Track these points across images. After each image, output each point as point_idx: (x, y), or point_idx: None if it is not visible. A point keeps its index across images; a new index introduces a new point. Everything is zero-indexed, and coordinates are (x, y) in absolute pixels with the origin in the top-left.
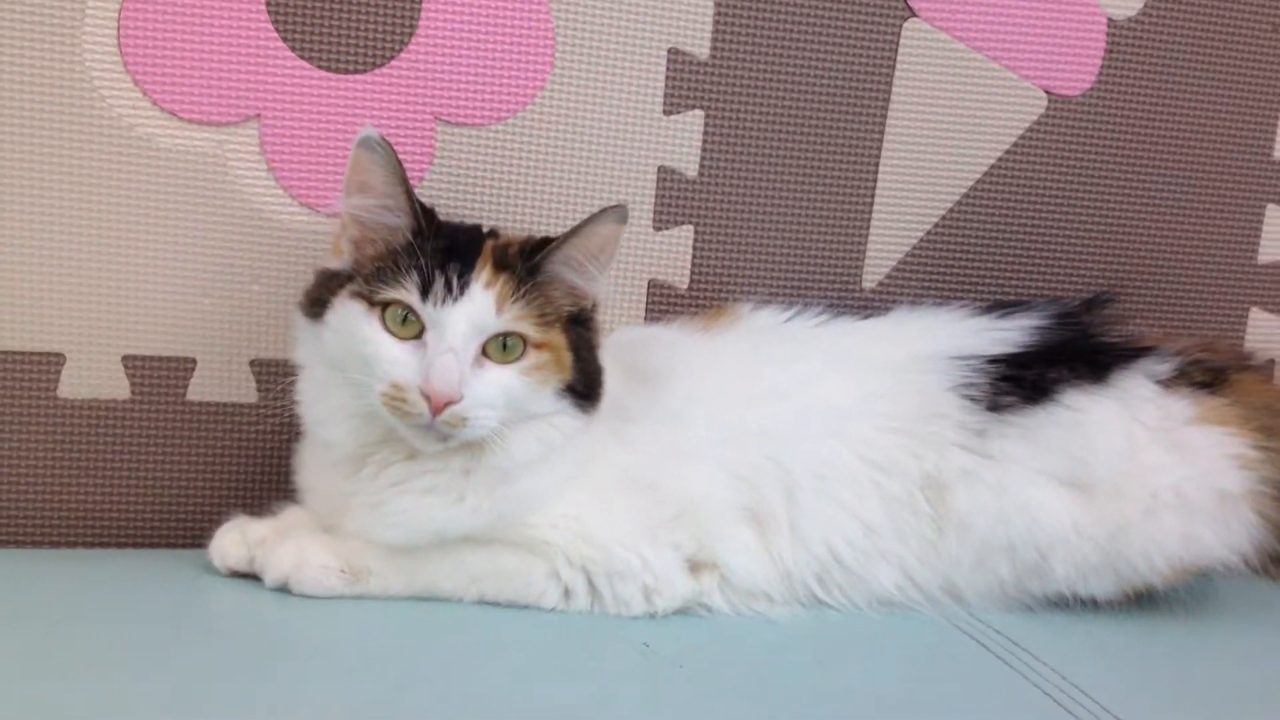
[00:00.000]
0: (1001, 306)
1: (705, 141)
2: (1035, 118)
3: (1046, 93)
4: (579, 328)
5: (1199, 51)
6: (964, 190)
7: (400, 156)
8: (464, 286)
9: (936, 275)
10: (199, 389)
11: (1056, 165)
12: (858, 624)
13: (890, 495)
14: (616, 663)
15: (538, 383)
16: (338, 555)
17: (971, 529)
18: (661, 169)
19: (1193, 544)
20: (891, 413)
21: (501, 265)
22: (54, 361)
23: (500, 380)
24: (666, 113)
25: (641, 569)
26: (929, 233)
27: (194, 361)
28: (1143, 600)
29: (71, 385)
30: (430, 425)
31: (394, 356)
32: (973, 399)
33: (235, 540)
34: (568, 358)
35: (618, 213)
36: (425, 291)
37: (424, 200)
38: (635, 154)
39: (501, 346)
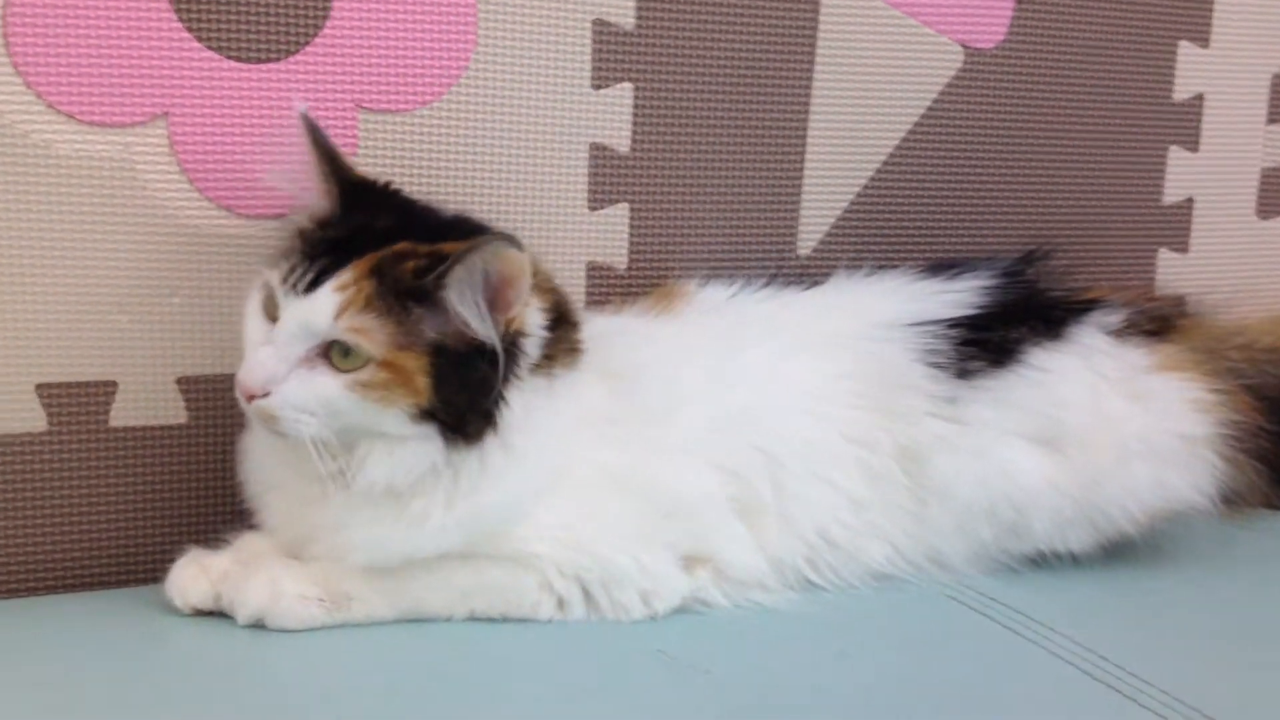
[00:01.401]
0: (942, 267)
1: (636, 115)
2: (953, 73)
3: (962, 46)
4: (452, 357)
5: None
6: (890, 149)
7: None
8: (317, 283)
9: (869, 238)
10: (123, 413)
11: (975, 119)
12: (855, 604)
13: (873, 470)
14: (642, 676)
15: (374, 401)
16: (315, 582)
17: (952, 496)
18: (593, 146)
19: (1163, 489)
20: (861, 389)
21: (376, 272)
22: None
23: (322, 387)
24: (595, 87)
25: (638, 573)
26: (859, 195)
27: (115, 384)
28: (1119, 550)
29: None
30: (252, 414)
31: (249, 336)
32: (938, 366)
33: (194, 575)
34: (422, 382)
35: (494, 247)
36: (286, 278)
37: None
38: (566, 131)
39: (343, 353)
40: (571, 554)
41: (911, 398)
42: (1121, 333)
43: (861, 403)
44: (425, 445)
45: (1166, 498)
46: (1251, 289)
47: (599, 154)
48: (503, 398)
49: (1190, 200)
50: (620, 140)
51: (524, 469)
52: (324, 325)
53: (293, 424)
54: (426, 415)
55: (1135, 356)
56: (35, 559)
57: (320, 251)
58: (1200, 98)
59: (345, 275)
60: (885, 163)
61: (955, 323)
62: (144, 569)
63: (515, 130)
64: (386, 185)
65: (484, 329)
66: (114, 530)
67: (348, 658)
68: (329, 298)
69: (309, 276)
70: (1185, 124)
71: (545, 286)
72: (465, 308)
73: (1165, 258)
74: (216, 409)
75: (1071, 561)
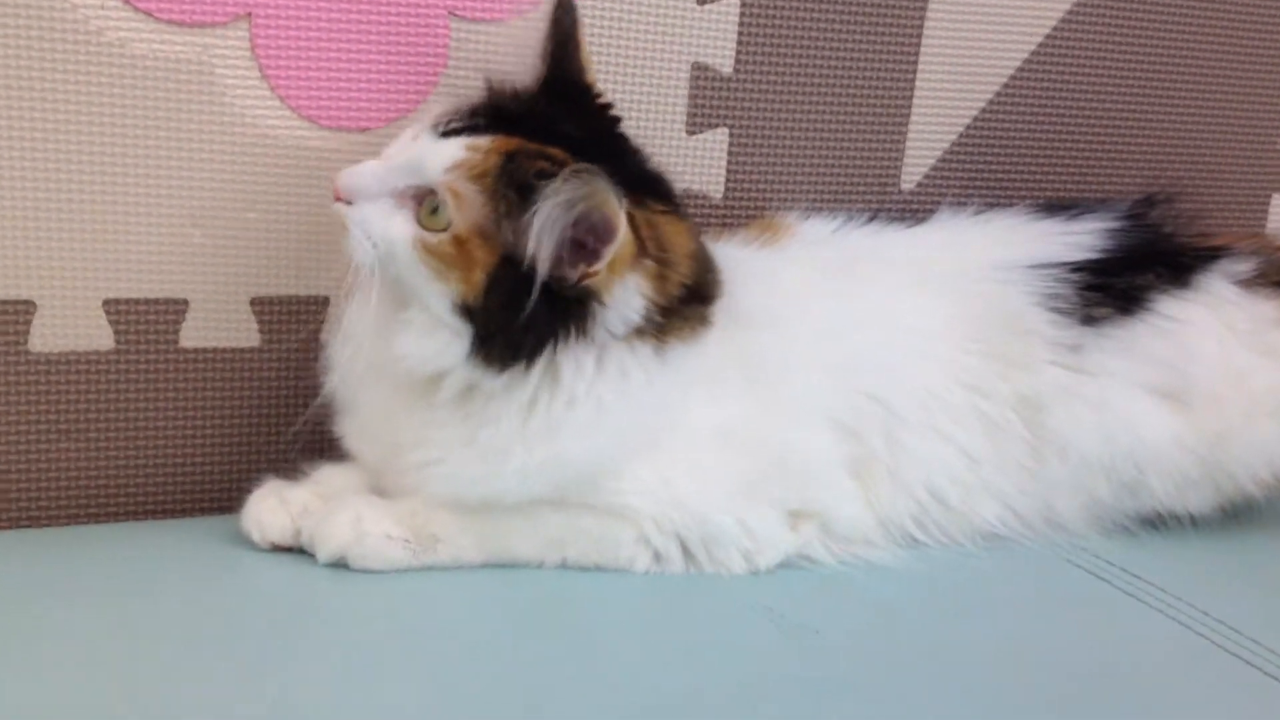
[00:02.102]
0: (1058, 208)
1: (741, 34)
2: (1070, 3)
3: None
4: (515, 273)
5: None
6: (1002, 82)
7: (410, 57)
8: (454, 133)
9: (975, 175)
10: (193, 333)
11: (1090, 54)
12: (966, 565)
13: (991, 420)
14: (751, 637)
15: (429, 268)
16: (400, 522)
17: (1072, 450)
18: (695, 66)
19: None
20: (978, 333)
21: (509, 155)
22: (22, 310)
23: (395, 228)
24: (700, 1)
25: (740, 533)
26: (966, 129)
27: (186, 303)
28: (1236, 513)
29: (45, 337)
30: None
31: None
32: (1062, 311)
33: (273, 508)
34: (478, 278)
35: (603, 195)
36: (439, 121)
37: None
38: (668, 50)
39: (432, 209)
40: (670, 510)
41: (1032, 344)
42: (1250, 283)
43: (979, 348)
44: (454, 344)
45: None
46: None
47: (700, 75)
48: (550, 344)
49: None
50: (723, 60)
51: (615, 426)
52: (432, 170)
53: (355, 242)
54: (465, 312)
55: (1265, 308)
56: (100, 484)
57: (484, 113)
58: None
59: (483, 140)
60: (995, 96)
61: (1078, 266)
62: (213, 498)
63: (614, 47)
64: (606, 106)
65: (542, 258)
66: (182, 457)
67: (433, 602)
68: (453, 149)
69: (455, 126)
70: None
71: (683, 256)
72: (544, 230)
73: (1277, 203)
74: (291, 332)
75: (1189, 523)
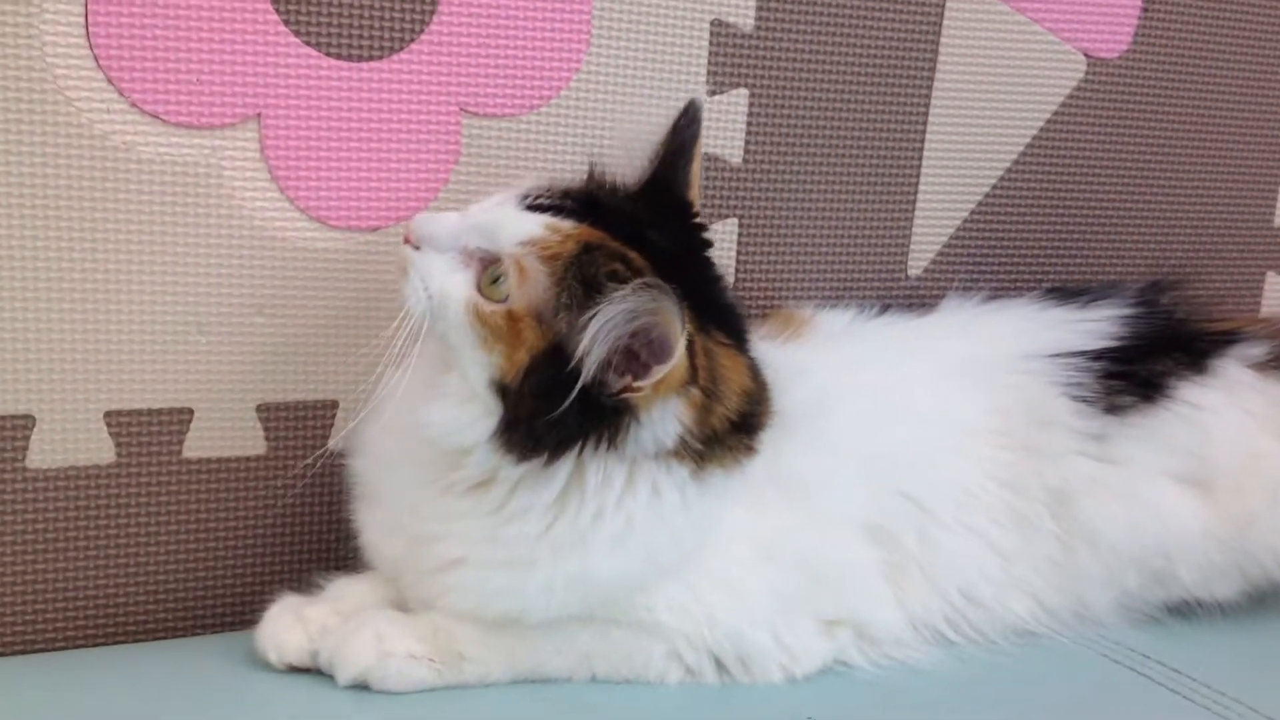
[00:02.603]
0: (1068, 294)
1: (749, 125)
2: (1074, 83)
3: (1085, 55)
4: (559, 366)
5: (1225, 12)
6: (1007, 165)
7: (422, 155)
8: (540, 209)
9: (981, 259)
10: (198, 443)
11: (1094, 134)
12: (1003, 663)
13: (1021, 515)
14: None
15: (476, 335)
16: (423, 640)
17: (1101, 542)
18: (705, 156)
19: None
20: (1005, 425)
21: (587, 248)
22: (21, 425)
23: (452, 286)
24: (711, 93)
25: (776, 647)
26: (973, 212)
27: (190, 412)
28: (1263, 599)
29: (43, 452)
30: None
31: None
32: (1086, 401)
33: (289, 626)
34: (521, 358)
35: (670, 314)
36: (528, 194)
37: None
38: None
39: (493, 279)
40: (703, 628)
41: (1058, 435)
42: (1264, 366)
43: (1007, 440)
44: (483, 421)
45: None
46: None
47: (710, 165)
48: (575, 447)
49: None
50: (733, 151)
51: (646, 547)
52: (506, 240)
53: (411, 288)
54: (500, 391)
55: None
56: (103, 604)
57: (576, 198)
58: None
59: (566, 225)
60: (1001, 178)
61: (1098, 354)
62: (223, 615)
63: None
64: (700, 227)
65: (591, 360)
66: (188, 572)
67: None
68: (533, 225)
69: (542, 202)
70: None
71: (733, 391)
72: (600, 333)
73: (1272, 281)
74: (299, 439)
75: (1217, 611)
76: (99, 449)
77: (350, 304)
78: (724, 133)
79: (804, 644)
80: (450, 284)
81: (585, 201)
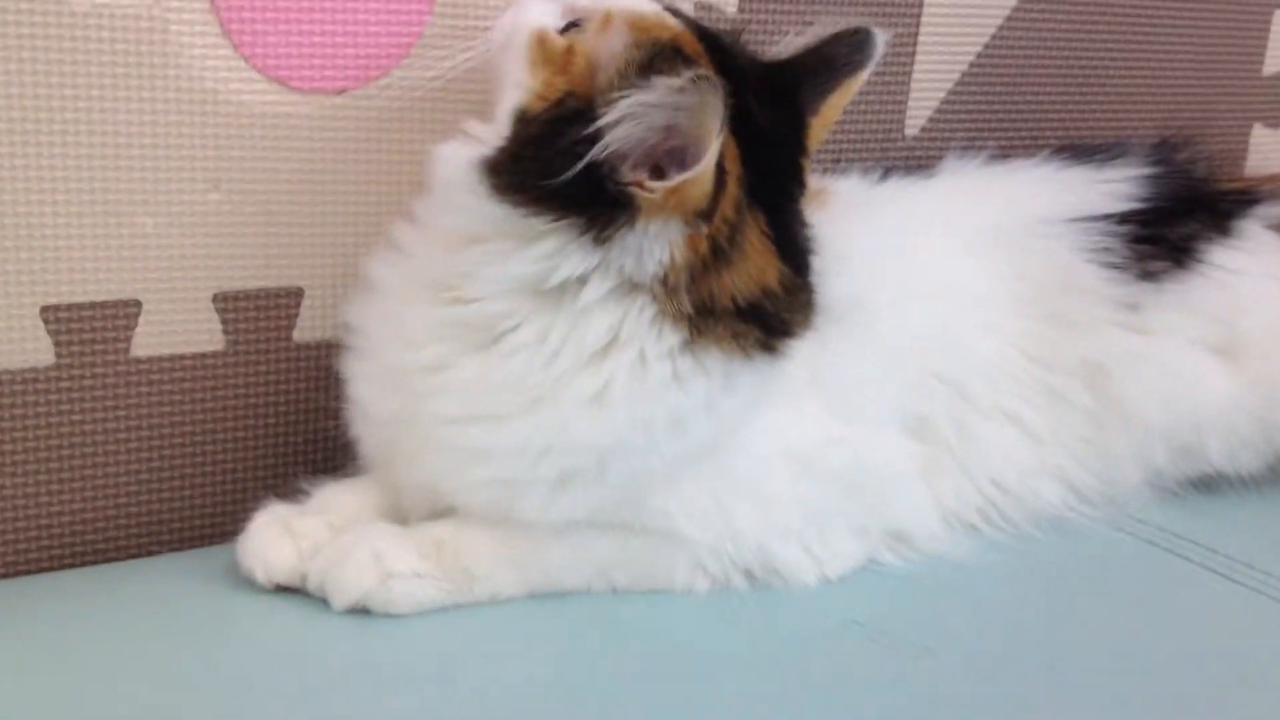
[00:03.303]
0: (1079, 152)
1: None
2: None
3: None
4: (585, 134)
5: None
6: (1004, 16)
7: (392, 4)
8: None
9: (978, 116)
10: (147, 340)
11: None
12: (1036, 552)
13: (1055, 392)
14: (855, 662)
15: (530, 57)
16: (425, 556)
17: (1136, 417)
18: (699, 5)
19: None
20: (1032, 294)
21: (673, 43)
22: None
23: (536, 14)
24: None
25: (808, 560)
26: (967, 70)
27: (138, 304)
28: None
29: None
30: None
31: None
32: (1117, 267)
33: (278, 540)
34: (558, 88)
35: (711, 100)
36: None
37: None
38: None
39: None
40: (728, 544)
41: (1091, 303)
42: None
43: (1035, 311)
44: (479, 150)
45: None
46: None
47: (703, 12)
48: (558, 211)
49: None
50: (728, 1)
51: (630, 418)
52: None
53: (502, 21)
54: (520, 119)
55: None
56: (57, 526)
57: (699, 29)
58: None
59: (674, 22)
60: (996, 33)
61: (1124, 217)
62: (189, 530)
63: None
64: (799, 156)
65: (612, 130)
66: (144, 486)
67: (479, 640)
68: (647, 5)
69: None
70: None
71: (749, 276)
72: (632, 111)
73: (1259, 133)
74: (260, 331)
75: (1239, 485)
76: (36, 349)
77: (316, 178)
78: None
79: (835, 550)
80: (535, 14)
81: (707, 37)
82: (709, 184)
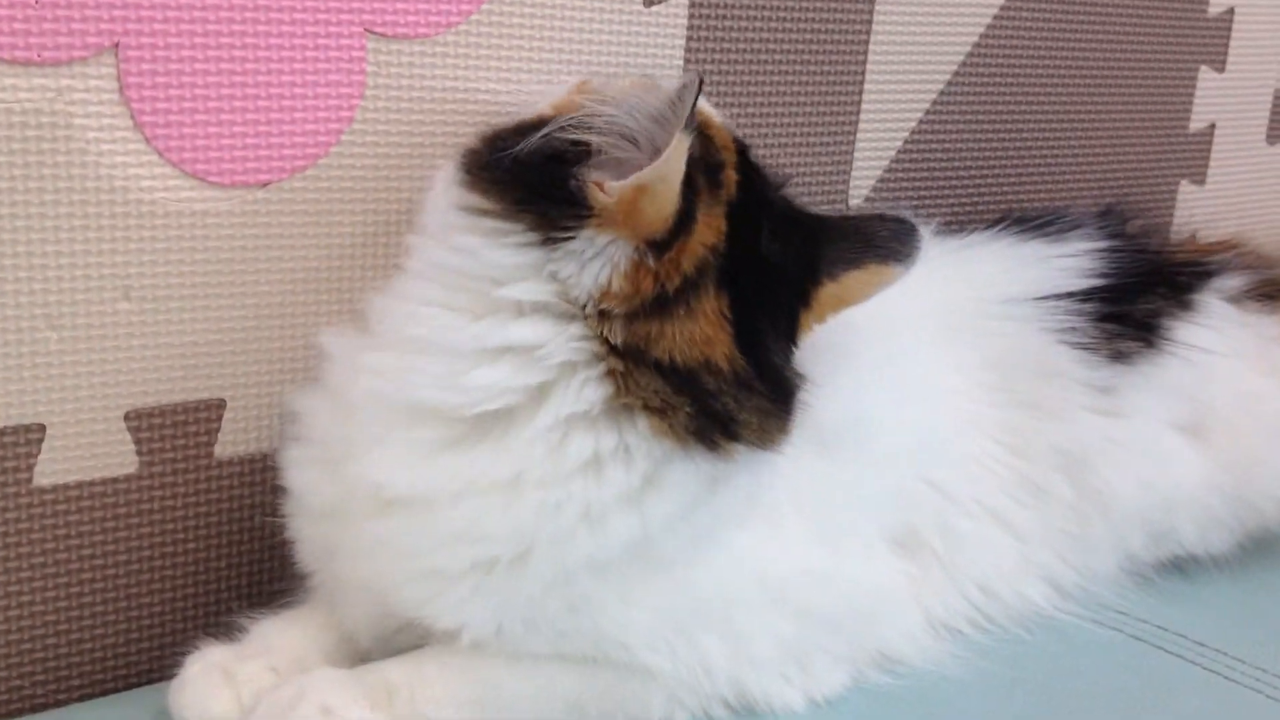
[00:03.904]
0: (1028, 225)
1: (689, 39)
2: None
3: None
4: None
5: None
6: (951, 73)
7: (320, 88)
8: None
9: (920, 186)
10: (52, 466)
11: (1023, 48)
12: (1027, 656)
13: (1035, 486)
14: None
15: None
16: (378, 706)
17: (1114, 505)
18: (643, 75)
19: None
20: (1002, 381)
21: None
22: None
23: None
24: (647, 3)
25: (790, 690)
26: (908, 138)
27: (41, 428)
28: (1258, 551)
29: None
30: None
31: None
32: (1087, 348)
33: (217, 689)
34: None
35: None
36: None
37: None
38: (611, 54)
39: None
40: (702, 680)
41: (1063, 389)
42: (1241, 298)
43: (1007, 399)
44: None
45: None
46: (1259, 218)
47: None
48: (511, 183)
49: (1213, 126)
50: (669, 67)
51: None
52: None
53: None
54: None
55: (1264, 326)
56: None
57: None
58: (1231, 11)
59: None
60: (936, 99)
61: (1086, 295)
62: (98, 677)
63: (554, 55)
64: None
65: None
66: (54, 629)
67: None
68: None
69: None
70: (1217, 41)
71: (696, 340)
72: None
73: (1185, 190)
74: (178, 450)
75: (1208, 566)
76: None
77: (238, 279)
78: (661, 50)
79: (819, 679)
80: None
81: (743, 150)
82: (669, 208)
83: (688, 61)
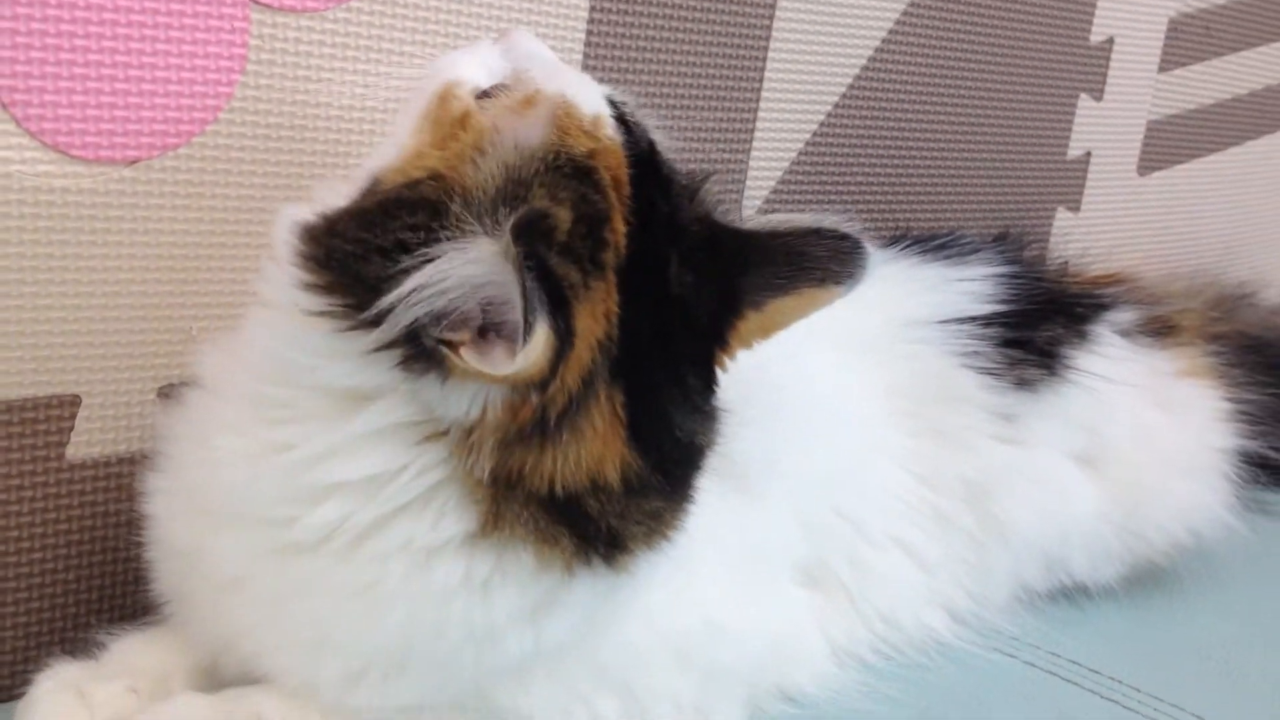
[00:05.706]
0: (924, 245)
1: (589, 24)
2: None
3: None
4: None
5: None
6: (845, 86)
7: (198, 60)
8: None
9: (815, 194)
10: None
11: (915, 63)
12: (928, 685)
13: (942, 516)
14: None
15: (420, 113)
16: None
17: (1014, 534)
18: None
19: (1202, 509)
20: (910, 407)
21: (590, 164)
22: None
23: (463, 69)
24: None
25: None
26: (798, 155)
27: None
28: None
29: None
30: None
31: None
32: (991, 374)
33: (67, 708)
34: (425, 161)
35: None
36: None
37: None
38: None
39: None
40: None
41: (968, 415)
42: (1135, 332)
43: (914, 425)
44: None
45: (1205, 518)
46: (1131, 249)
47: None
48: (366, 287)
49: (1089, 154)
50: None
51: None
52: (561, 87)
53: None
54: (372, 182)
55: (1156, 360)
56: None
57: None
58: (1111, 41)
59: (615, 137)
60: (825, 118)
61: (988, 320)
62: None
63: (442, 40)
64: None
65: (394, 310)
66: None
67: None
68: (597, 101)
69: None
70: (1096, 69)
71: (587, 462)
72: (421, 287)
73: (1061, 216)
74: (26, 450)
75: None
76: None
77: (99, 264)
78: (560, 40)
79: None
80: (465, 64)
81: (647, 164)
82: (543, 362)
83: (587, 50)
